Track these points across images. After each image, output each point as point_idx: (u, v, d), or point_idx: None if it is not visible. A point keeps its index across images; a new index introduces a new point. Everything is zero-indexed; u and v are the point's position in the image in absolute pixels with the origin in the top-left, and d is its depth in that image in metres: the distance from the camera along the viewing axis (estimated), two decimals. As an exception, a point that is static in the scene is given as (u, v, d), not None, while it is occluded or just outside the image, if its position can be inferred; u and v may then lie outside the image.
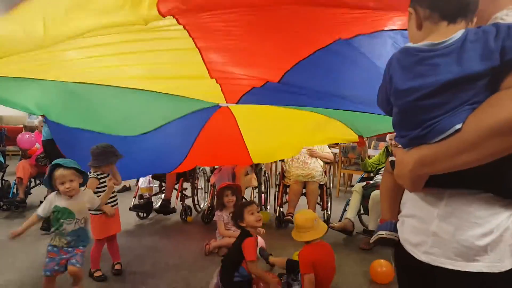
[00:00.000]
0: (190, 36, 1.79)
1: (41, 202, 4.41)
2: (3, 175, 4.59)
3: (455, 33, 0.85)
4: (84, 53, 1.96)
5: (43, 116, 2.61)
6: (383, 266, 2.74)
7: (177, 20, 1.60)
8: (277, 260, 2.80)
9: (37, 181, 4.65)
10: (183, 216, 4.09)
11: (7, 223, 3.88)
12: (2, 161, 4.66)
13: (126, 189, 5.46)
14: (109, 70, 2.24)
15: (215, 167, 4.44)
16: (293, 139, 3.51)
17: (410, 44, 0.92)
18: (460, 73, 0.80)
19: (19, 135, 4.81)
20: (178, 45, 1.90)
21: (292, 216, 3.79)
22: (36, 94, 2.39)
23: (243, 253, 2.32)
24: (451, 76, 0.81)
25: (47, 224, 3.66)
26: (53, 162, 2.18)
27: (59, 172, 2.12)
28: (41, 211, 2.14)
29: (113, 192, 2.64)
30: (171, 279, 2.65)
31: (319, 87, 2.31)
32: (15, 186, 4.38)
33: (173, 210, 4.07)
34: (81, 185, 2.26)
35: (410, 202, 1.00)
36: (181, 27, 1.68)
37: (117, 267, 2.69)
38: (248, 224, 2.44)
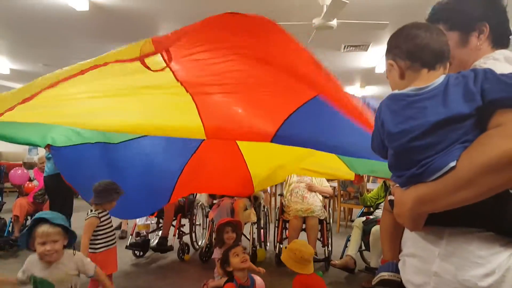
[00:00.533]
0: (188, 92, 1.86)
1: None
2: (-1, 213, 4.54)
3: (436, 78, 0.91)
4: (85, 102, 2.04)
5: (47, 147, 2.66)
6: None
7: (174, 76, 1.69)
8: None
9: (33, 219, 4.58)
10: (181, 255, 3.99)
11: (0, 263, 3.78)
12: (-1, 198, 4.63)
13: (122, 236, 4.78)
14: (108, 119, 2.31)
15: (214, 202, 4.40)
16: (289, 160, 3.53)
17: (397, 91, 0.97)
18: (447, 114, 0.85)
19: (12, 171, 4.81)
20: (178, 100, 1.96)
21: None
22: (40, 129, 2.48)
23: None
24: (439, 117, 0.85)
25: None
26: (36, 215, 1.81)
27: (42, 229, 1.70)
28: (20, 274, 1.76)
29: (111, 230, 2.61)
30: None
31: (312, 139, 2.24)
32: (11, 224, 4.31)
33: (170, 248, 3.98)
34: (69, 245, 1.87)
35: (411, 241, 1.01)
36: (179, 84, 1.77)
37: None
38: (234, 267, 2.38)
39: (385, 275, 1.17)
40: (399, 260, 1.07)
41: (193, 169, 3.36)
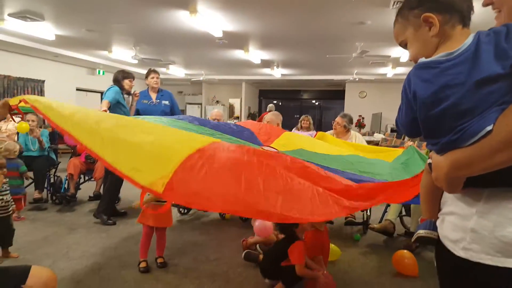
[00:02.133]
0: None
1: (90, 197, 4.73)
2: (55, 172, 4.91)
3: (467, 38, 0.88)
4: None
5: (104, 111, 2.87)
6: (405, 258, 2.82)
7: None
8: None
9: (86, 178, 4.94)
10: (222, 213, 4.18)
11: (59, 216, 4.15)
12: (55, 158, 4.99)
13: None
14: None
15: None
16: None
17: (424, 59, 0.93)
18: (481, 76, 0.82)
19: (66, 131, 5.11)
20: None
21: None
22: None
23: (288, 255, 2.32)
24: (474, 80, 0.83)
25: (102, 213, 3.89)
26: None
27: None
28: None
29: None
30: (211, 273, 2.73)
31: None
32: (66, 182, 4.68)
33: (212, 207, 4.17)
34: None
35: (450, 200, 1.02)
36: None
37: (159, 260, 2.81)
38: (303, 227, 2.42)
39: (422, 232, 1.19)
40: (438, 218, 1.08)
41: None
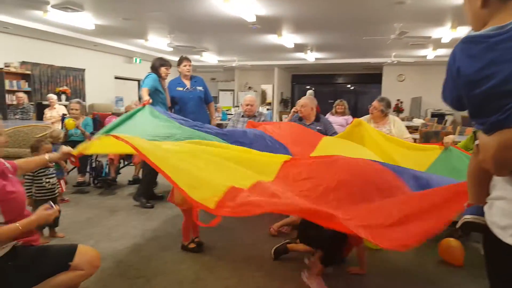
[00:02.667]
0: None
1: (129, 181, 4.90)
2: (96, 156, 5.12)
3: None
4: None
5: (147, 101, 3.21)
6: (452, 245, 2.75)
7: None
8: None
9: (126, 162, 5.12)
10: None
11: (101, 199, 4.35)
12: (96, 144, 5.21)
13: None
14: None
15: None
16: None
17: (473, 33, 0.88)
18: None
19: (107, 119, 5.38)
20: None
21: None
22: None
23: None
24: None
25: (143, 198, 4.02)
26: None
27: None
28: None
29: None
30: (246, 256, 2.77)
31: None
32: (107, 166, 4.88)
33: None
34: None
35: (500, 184, 0.97)
36: None
37: (196, 240, 2.87)
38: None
39: (469, 217, 1.14)
40: (485, 203, 1.04)
41: None
